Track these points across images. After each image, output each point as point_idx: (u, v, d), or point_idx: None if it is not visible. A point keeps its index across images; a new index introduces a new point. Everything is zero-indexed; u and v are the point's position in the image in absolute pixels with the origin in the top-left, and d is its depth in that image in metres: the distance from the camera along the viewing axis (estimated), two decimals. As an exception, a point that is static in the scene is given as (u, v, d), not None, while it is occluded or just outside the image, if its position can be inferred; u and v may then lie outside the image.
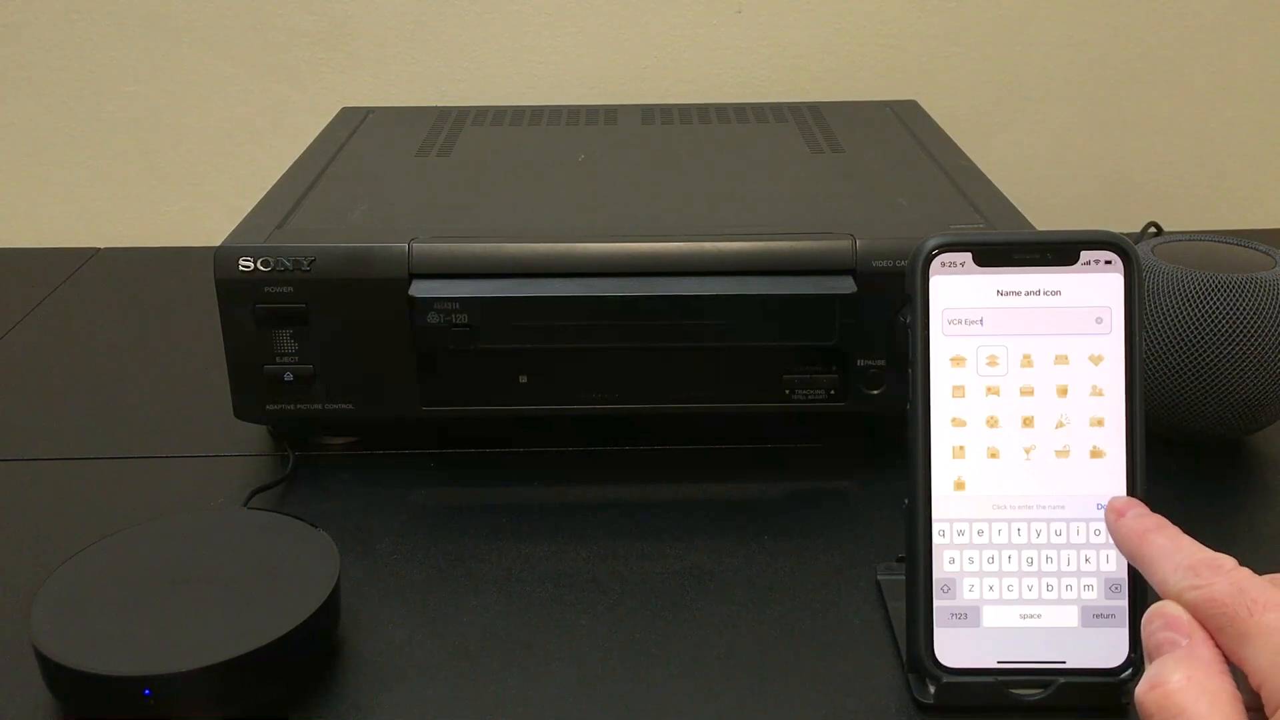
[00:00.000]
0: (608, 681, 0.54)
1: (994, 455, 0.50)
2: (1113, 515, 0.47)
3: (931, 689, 0.51)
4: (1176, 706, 0.39)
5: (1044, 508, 0.50)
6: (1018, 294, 0.50)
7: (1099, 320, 0.50)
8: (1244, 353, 0.64)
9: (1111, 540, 0.47)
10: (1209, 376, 0.65)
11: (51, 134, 1.08)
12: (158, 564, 0.54)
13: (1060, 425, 0.50)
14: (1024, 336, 0.50)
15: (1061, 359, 0.50)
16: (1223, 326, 0.65)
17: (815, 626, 0.57)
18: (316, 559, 0.55)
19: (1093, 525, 0.50)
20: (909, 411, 0.51)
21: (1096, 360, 0.50)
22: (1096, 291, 0.50)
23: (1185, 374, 0.65)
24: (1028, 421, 0.50)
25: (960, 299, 0.50)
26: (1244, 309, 0.64)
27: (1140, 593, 0.50)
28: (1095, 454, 0.50)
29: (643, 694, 0.53)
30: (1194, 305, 0.65)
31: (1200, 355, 0.65)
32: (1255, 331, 0.64)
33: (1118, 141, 1.10)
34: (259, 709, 0.51)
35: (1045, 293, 0.50)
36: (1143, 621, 0.42)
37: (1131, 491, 0.50)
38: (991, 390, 0.50)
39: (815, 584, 0.60)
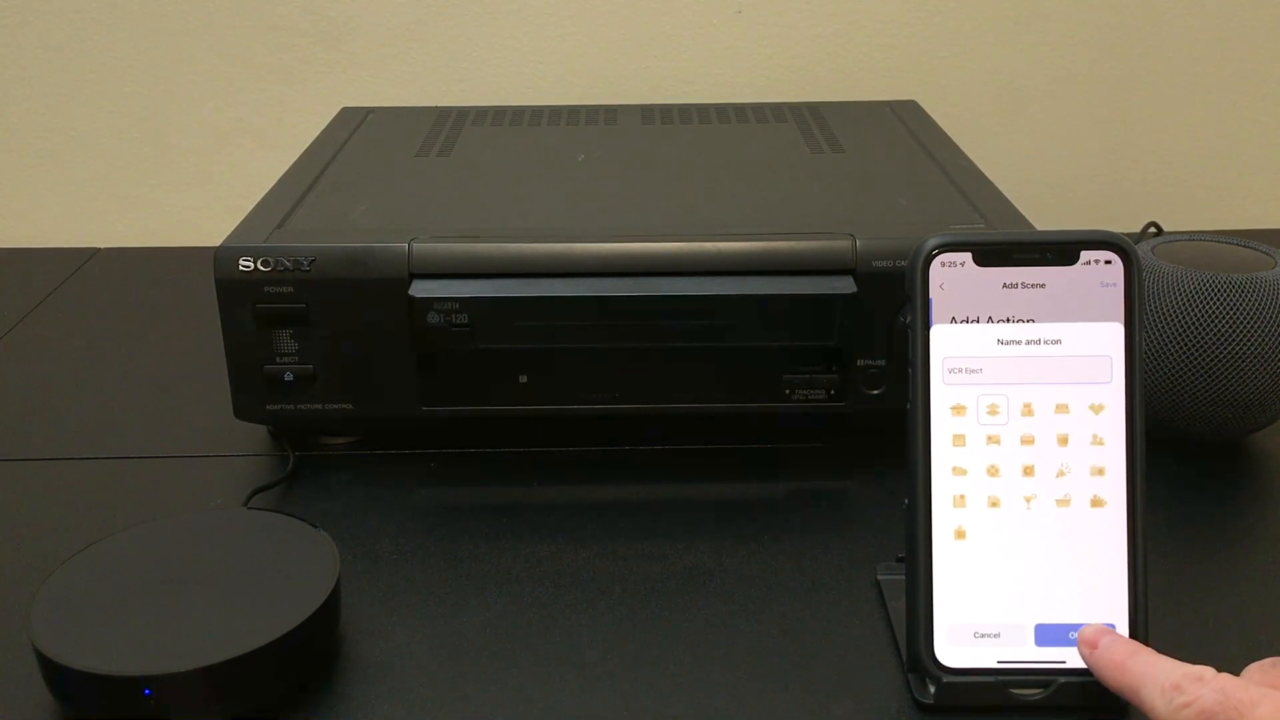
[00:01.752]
0: (608, 681, 0.54)
1: (993, 457, 0.50)
2: (1086, 649, 0.49)
3: (931, 689, 0.51)
4: None
5: (1043, 510, 0.50)
6: (1018, 342, 0.50)
7: (1099, 319, 0.50)
8: (1244, 353, 0.64)
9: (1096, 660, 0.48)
10: (1209, 376, 0.65)
11: (51, 134, 1.08)
12: (158, 564, 0.54)
13: (1059, 427, 0.50)
14: (1026, 385, 0.50)
15: (1061, 407, 0.50)
16: (1223, 326, 0.65)
17: (815, 626, 0.57)
18: (316, 559, 0.55)
19: (1091, 526, 0.50)
20: (909, 411, 0.51)
21: (1097, 409, 0.50)
22: (1096, 292, 0.50)
23: (1185, 374, 0.65)
24: (1025, 423, 0.50)
25: (961, 358, 0.50)
26: (1244, 309, 0.64)
27: (1140, 592, 0.50)
28: (1094, 457, 0.50)
29: (643, 694, 0.53)
30: (1194, 305, 0.65)
31: (1200, 355, 0.65)
32: (1255, 331, 0.64)
33: (1118, 141, 1.10)
34: (259, 709, 0.51)
35: (1046, 341, 0.50)
36: None
37: (1131, 494, 0.50)
38: (992, 439, 0.50)
39: (815, 584, 0.60)
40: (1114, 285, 0.50)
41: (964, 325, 0.50)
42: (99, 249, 1.06)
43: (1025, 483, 0.50)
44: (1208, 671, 0.44)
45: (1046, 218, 0.79)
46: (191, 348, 0.85)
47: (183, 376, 0.82)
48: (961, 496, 0.50)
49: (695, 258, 0.67)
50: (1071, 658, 0.50)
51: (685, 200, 0.77)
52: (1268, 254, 0.69)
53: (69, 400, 0.79)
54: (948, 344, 0.50)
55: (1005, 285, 0.50)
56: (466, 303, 0.66)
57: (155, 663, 0.48)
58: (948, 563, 0.50)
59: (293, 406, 0.69)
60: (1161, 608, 0.51)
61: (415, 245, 0.67)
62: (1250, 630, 0.56)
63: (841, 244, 0.67)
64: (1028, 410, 0.50)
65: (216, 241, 0.68)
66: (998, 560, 0.50)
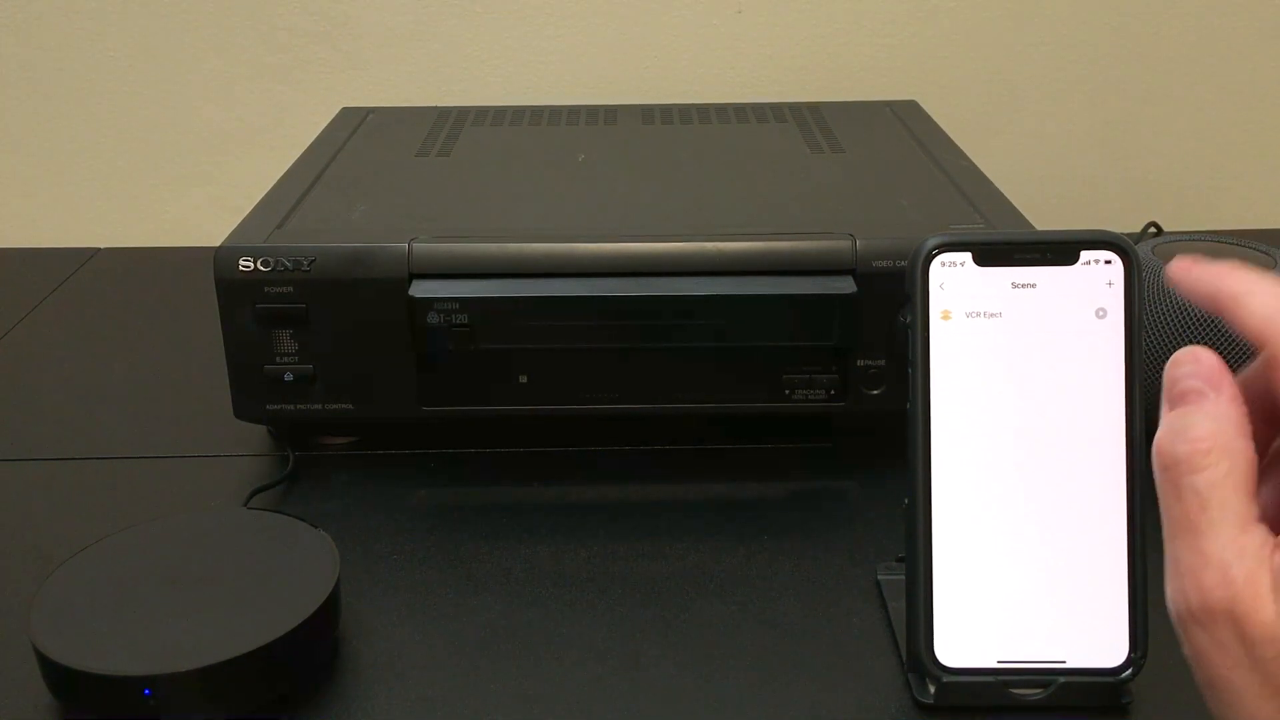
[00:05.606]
0: (608, 681, 0.54)
1: (993, 457, 0.50)
2: (1180, 268, 0.44)
3: (931, 689, 0.51)
4: (1196, 464, 0.38)
5: (1043, 509, 0.50)
6: (1018, 294, 0.50)
7: (1099, 319, 0.50)
8: (1244, 353, 0.64)
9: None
10: (1209, 376, 0.65)
11: (51, 134, 1.08)
12: (158, 564, 0.54)
13: (1060, 427, 0.50)
14: (1024, 337, 0.50)
15: (1062, 361, 0.50)
16: (1223, 326, 0.64)
17: (815, 626, 0.57)
18: (316, 559, 0.55)
19: (1091, 525, 0.50)
20: (909, 411, 0.51)
21: (1096, 363, 0.50)
22: (1096, 291, 0.50)
23: (1185, 374, 0.65)
24: (1025, 423, 0.50)
25: (961, 299, 0.50)
26: (1244, 309, 0.64)
27: (1140, 591, 0.50)
28: (1094, 456, 0.50)
29: (643, 694, 0.53)
30: (1194, 305, 0.65)
31: (1200, 355, 0.65)
32: (1255, 331, 0.64)
33: (1118, 141, 1.10)
34: (259, 709, 0.51)
35: (1045, 295, 0.50)
36: (1169, 364, 0.41)
37: (1131, 493, 0.50)
38: (992, 390, 0.50)
39: (815, 584, 0.60)
40: (1114, 285, 0.50)
41: (963, 325, 0.50)
42: (99, 249, 1.06)
43: (1025, 481, 0.50)
44: None
45: (1046, 218, 0.79)
46: (191, 348, 0.85)
47: (183, 376, 0.82)
48: (961, 496, 0.50)
49: (695, 258, 0.67)
50: (1072, 657, 0.50)
51: (685, 200, 0.77)
52: (1268, 254, 0.69)
53: (69, 400, 0.79)
54: (948, 295, 0.50)
55: (1005, 285, 0.50)
56: (466, 303, 0.66)
57: (155, 663, 0.48)
58: (948, 563, 0.50)
59: (293, 406, 0.69)
60: (1162, 606, 0.51)
61: (415, 245, 0.67)
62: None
63: (841, 244, 0.67)
64: (1028, 409, 0.50)
65: (216, 241, 0.68)
66: (998, 560, 0.50)
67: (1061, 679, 0.50)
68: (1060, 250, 0.50)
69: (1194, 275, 0.43)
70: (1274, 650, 0.37)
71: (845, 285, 0.66)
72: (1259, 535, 0.38)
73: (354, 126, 0.94)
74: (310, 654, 0.53)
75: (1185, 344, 0.65)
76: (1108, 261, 0.50)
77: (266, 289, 0.67)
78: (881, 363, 0.68)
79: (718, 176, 0.82)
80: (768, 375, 0.69)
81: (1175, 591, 0.39)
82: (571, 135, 0.92)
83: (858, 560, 0.62)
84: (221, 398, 0.70)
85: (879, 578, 0.59)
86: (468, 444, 0.73)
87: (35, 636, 0.50)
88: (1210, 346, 0.64)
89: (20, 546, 0.64)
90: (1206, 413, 0.39)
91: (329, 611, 0.53)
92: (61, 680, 0.49)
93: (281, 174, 0.81)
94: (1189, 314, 0.65)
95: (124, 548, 0.56)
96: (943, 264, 0.50)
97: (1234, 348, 0.65)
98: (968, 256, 0.50)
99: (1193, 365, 0.41)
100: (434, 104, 1.04)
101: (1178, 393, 0.41)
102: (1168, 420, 0.40)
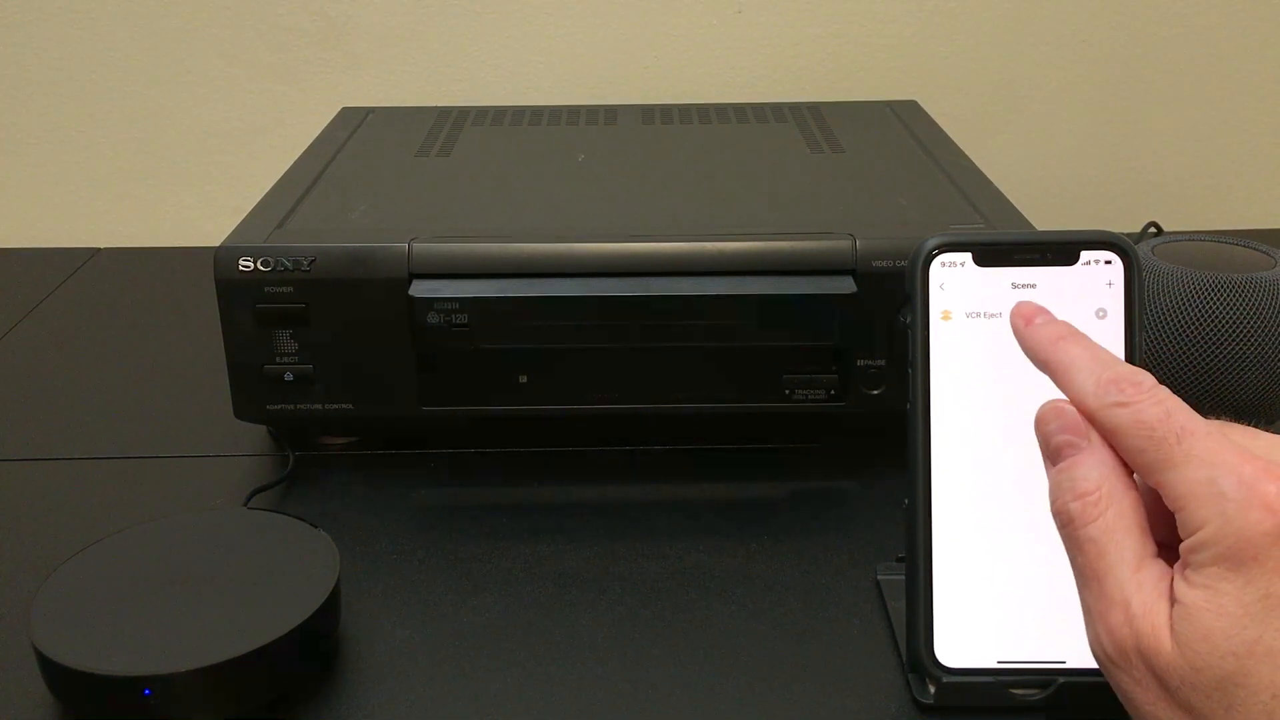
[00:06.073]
0: (608, 681, 0.54)
1: (993, 457, 0.50)
2: (1020, 321, 0.45)
3: (931, 689, 0.51)
4: (1088, 515, 0.40)
5: (1043, 509, 0.50)
6: (1018, 294, 0.50)
7: (1099, 319, 0.50)
8: (1244, 353, 0.64)
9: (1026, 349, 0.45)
10: (1209, 376, 0.65)
11: (51, 134, 1.08)
12: (158, 564, 0.54)
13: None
14: (1026, 385, 0.50)
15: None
16: (1223, 326, 0.65)
17: (815, 626, 0.57)
18: (316, 559, 0.55)
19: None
20: (909, 411, 0.51)
21: None
22: (1096, 292, 0.50)
23: (1185, 374, 0.65)
24: (1025, 423, 0.50)
25: (961, 300, 0.50)
26: (1244, 309, 0.64)
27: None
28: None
29: (643, 694, 0.53)
30: (1194, 305, 0.65)
31: (1200, 355, 0.65)
32: (1255, 331, 0.64)
33: (1118, 141, 1.10)
34: (259, 709, 0.51)
35: (1045, 295, 0.50)
36: (1036, 421, 0.43)
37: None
38: (992, 391, 0.50)
39: (815, 584, 0.60)
40: (1114, 285, 0.50)
41: (963, 325, 0.50)
42: (99, 249, 1.06)
43: (1024, 482, 0.50)
44: (1148, 378, 0.41)
45: (1046, 218, 0.79)
46: (191, 348, 0.85)
47: (183, 376, 0.82)
48: (961, 496, 0.50)
49: (695, 258, 0.67)
50: (1072, 657, 0.50)
51: (685, 200, 0.77)
52: (1268, 254, 0.69)
53: (69, 400, 0.79)
54: (947, 295, 0.50)
55: (1005, 285, 0.50)
56: (466, 303, 0.66)
57: (155, 663, 0.48)
58: (948, 563, 0.50)
59: (293, 406, 0.69)
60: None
61: (415, 245, 0.67)
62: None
63: (841, 244, 0.67)
64: (1028, 409, 0.50)
65: (216, 241, 0.68)
66: (997, 560, 0.50)
67: (1061, 679, 0.50)
68: (1060, 250, 0.50)
69: (1030, 336, 0.45)
70: (1179, 679, 0.38)
71: (845, 285, 0.66)
72: (1155, 570, 0.40)
73: (354, 126, 0.94)
74: (310, 654, 0.53)
75: (1184, 344, 0.65)
76: (1108, 262, 0.50)
77: (266, 289, 0.67)
78: (881, 363, 0.68)
79: (718, 176, 0.82)
80: (768, 375, 0.69)
81: (1092, 639, 0.41)
82: (571, 135, 0.92)
83: (858, 560, 0.62)
84: (221, 398, 0.70)
85: (879, 578, 0.59)
86: (468, 444, 0.73)
87: (35, 636, 0.50)
88: (1210, 346, 0.65)
89: (20, 546, 0.64)
90: (1087, 464, 0.41)
91: (329, 611, 0.53)
92: (61, 680, 0.49)
93: (281, 174, 0.81)
94: (1189, 314, 0.65)
95: (124, 548, 0.56)
96: (943, 264, 0.50)
97: (1233, 347, 0.65)
98: (968, 257, 0.50)
99: (1059, 420, 0.42)
100: (434, 104, 1.04)
101: (1053, 449, 0.42)
102: (1053, 479, 0.42)
